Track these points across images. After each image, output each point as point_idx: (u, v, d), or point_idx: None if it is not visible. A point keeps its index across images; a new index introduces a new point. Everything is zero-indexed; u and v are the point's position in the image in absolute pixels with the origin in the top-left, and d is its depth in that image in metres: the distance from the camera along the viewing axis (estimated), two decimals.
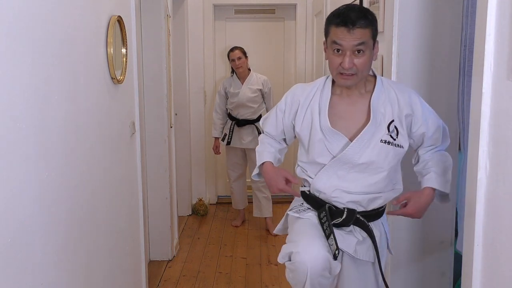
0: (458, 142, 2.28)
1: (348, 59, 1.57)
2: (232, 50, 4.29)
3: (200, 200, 4.89)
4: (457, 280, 2.38)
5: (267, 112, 4.39)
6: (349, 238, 1.73)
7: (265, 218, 4.38)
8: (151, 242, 3.63)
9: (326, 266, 1.62)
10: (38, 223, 1.36)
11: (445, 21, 2.17)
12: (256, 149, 1.98)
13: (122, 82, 2.17)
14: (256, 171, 1.94)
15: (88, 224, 1.78)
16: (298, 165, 1.87)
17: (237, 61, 4.24)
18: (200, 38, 4.85)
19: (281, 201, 5.22)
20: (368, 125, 1.66)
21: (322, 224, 1.72)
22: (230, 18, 5.19)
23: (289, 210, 1.90)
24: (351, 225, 1.73)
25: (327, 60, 1.68)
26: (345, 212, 1.71)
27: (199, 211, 4.81)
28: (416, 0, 2.15)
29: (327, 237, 1.67)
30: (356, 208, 1.73)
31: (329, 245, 1.66)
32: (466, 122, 1.94)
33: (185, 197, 4.74)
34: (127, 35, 2.25)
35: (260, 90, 4.30)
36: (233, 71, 4.37)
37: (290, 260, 1.67)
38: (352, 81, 1.64)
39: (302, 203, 1.87)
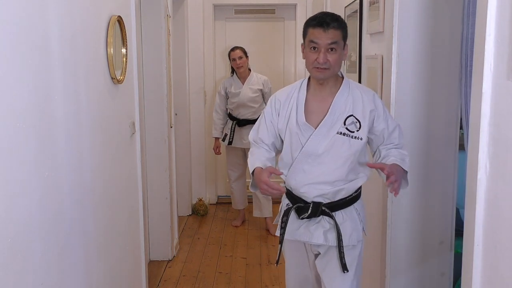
0: (458, 142, 2.28)
1: (323, 55, 1.82)
2: (233, 49, 4.29)
3: (200, 200, 4.89)
4: (457, 280, 2.38)
5: None
6: (317, 230, 1.93)
7: (265, 218, 4.38)
8: (151, 242, 3.63)
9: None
10: (38, 223, 1.36)
11: (445, 21, 2.16)
12: (248, 162, 2.06)
13: (122, 82, 2.17)
14: (251, 182, 2.03)
15: (88, 224, 1.78)
16: (279, 161, 2.04)
17: (238, 61, 4.24)
18: (200, 38, 4.85)
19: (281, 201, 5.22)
20: (325, 118, 1.88)
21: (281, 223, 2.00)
22: (230, 18, 5.19)
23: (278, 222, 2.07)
24: (320, 216, 1.93)
25: (304, 59, 1.93)
26: (310, 207, 1.90)
27: (199, 211, 4.81)
28: (416, 0, 2.15)
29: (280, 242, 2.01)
30: (322, 201, 1.91)
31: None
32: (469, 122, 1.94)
33: (185, 197, 4.74)
34: (127, 35, 2.25)
35: (261, 90, 4.31)
36: (233, 71, 4.37)
37: None
38: (326, 74, 1.86)
39: (287, 204, 2.04)
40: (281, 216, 2.04)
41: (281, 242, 2.02)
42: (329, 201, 1.91)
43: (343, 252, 1.90)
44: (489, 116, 1.21)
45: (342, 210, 1.93)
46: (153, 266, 3.54)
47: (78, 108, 1.68)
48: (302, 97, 1.95)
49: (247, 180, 4.53)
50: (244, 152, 4.41)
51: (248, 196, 4.64)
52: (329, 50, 1.82)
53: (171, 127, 3.78)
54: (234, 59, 4.26)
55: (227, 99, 4.36)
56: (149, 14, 3.45)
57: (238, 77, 4.33)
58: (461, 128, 2.34)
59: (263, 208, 4.36)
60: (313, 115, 1.92)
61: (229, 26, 5.20)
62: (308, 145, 1.88)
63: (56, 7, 1.50)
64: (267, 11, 5.18)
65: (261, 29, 5.20)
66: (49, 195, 1.43)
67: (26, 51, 1.30)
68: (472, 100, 1.28)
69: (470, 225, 1.28)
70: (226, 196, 5.21)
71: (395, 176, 1.75)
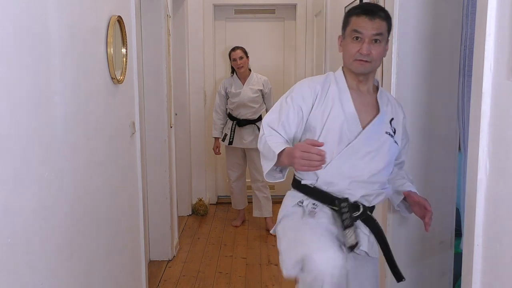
0: (458, 142, 2.28)
1: (366, 46, 1.68)
2: (233, 49, 4.29)
3: (200, 200, 4.89)
4: (457, 280, 2.38)
5: (267, 111, 4.42)
6: (361, 236, 1.73)
7: (265, 218, 4.38)
8: (151, 242, 3.63)
9: (343, 273, 1.57)
10: (38, 223, 1.36)
11: (445, 21, 2.17)
12: (261, 147, 1.79)
13: (122, 82, 2.17)
14: (268, 166, 1.75)
15: (88, 224, 1.78)
16: None
17: (239, 61, 4.24)
18: (200, 38, 4.85)
19: (281, 201, 5.22)
20: (378, 116, 1.77)
21: (341, 214, 1.69)
22: (230, 18, 5.19)
23: (289, 212, 1.81)
24: (358, 221, 1.75)
25: (343, 51, 1.78)
26: (361, 207, 1.74)
27: (199, 211, 4.81)
28: (416, 0, 2.15)
29: (346, 227, 1.66)
30: (366, 203, 1.76)
31: (346, 237, 1.65)
32: (466, 122, 1.94)
33: (185, 197, 4.74)
34: (127, 35, 2.25)
35: (261, 90, 4.31)
36: (233, 71, 4.37)
37: (302, 270, 1.56)
38: (367, 67, 1.72)
39: (302, 201, 1.79)
40: (308, 208, 1.75)
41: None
42: (368, 205, 1.77)
43: (394, 259, 1.79)
44: (489, 116, 1.21)
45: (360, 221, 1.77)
46: (153, 266, 3.54)
47: (78, 108, 1.68)
48: (344, 89, 1.77)
49: (247, 180, 4.54)
50: (244, 152, 4.41)
51: (248, 196, 4.64)
52: (373, 41, 1.68)
53: (171, 127, 3.78)
54: (234, 59, 4.26)
55: (227, 99, 4.36)
56: (149, 14, 3.45)
57: (238, 77, 4.33)
58: None
59: (263, 208, 4.36)
60: (358, 109, 1.76)
61: (229, 26, 5.20)
62: (359, 141, 1.71)
63: (56, 7, 1.50)
64: (267, 11, 5.18)
65: (261, 29, 5.20)
66: (49, 195, 1.43)
67: (26, 51, 1.30)
68: (472, 100, 1.28)
69: (470, 225, 1.28)
70: (226, 196, 5.21)
71: (430, 213, 1.76)
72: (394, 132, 1.79)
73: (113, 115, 2.12)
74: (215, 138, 4.46)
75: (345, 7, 3.20)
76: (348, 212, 1.68)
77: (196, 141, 4.92)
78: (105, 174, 1.99)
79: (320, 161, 1.52)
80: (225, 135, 4.36)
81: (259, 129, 4.29)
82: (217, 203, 5.26)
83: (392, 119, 1.81)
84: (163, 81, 3.50)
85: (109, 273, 2.04)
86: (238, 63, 4.25)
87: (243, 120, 4.29)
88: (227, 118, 4.40)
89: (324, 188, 1.75)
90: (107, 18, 2.01)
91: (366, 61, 1.70)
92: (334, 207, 1.73)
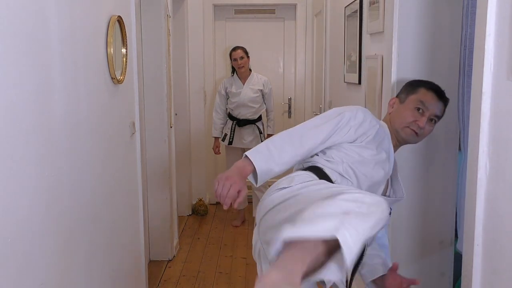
0: (458, 142, 2.28)
1: (425, 120, 1.72)
2: (234, 49, 4.29)
3: (200, 200, 4.89)
4: (457, 280, 2.38)
5: (267, 112, 4.42)
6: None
7: None
8: (151, 242, 3.63)
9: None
10: (38, 223, 1.36)
11: (445, 21, 2.16)
12: (269, 142, 1.63)
13: (122, 82, 2.17)
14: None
15: (88, 224, 1.77)
16: (344, 162, 1.62)
17: (239, 61, 4.24)
18: (200, 38, 4.85)
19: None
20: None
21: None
22: (230, 18, 5.19)
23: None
24: None
25: (395, 114, 1.78)
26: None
27: (199, 211, 4.81)
28: (416, 0, 2.15)
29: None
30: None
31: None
32: (466, 122, 1.94)
33: (185, 197, 4.74)
34: (127, 35, 2.24)
35: (261, 90, 4.31)
36: (233, 71, 4.37)
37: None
38: (416, 139, 1.77)
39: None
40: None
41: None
42: None
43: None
44: (489, 116, 1.21)
45: None
46: (153, 266, 3.54)
47: (78, 108, 1.68)
48: (392, 148, 1.76)
49: (247, 180, 4.53)
50: (244, 152, 4.40)
51: (248, 196, 4.63)
52: (430, 120, 1.74)
53: (171, 127, 3.78)
54: (235, 59, 4.26)
55: (227, 99, 4.36)
56: (149, 14, 3.44)
57: (239, 77, 4.33)
58: None
59: None
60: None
61: (229, 26, 5.20)
62: (388, 203, 1.52)
63: (56, 7, 1.50)
64: (267, 11, 5.18)
65: (261, 29, 5.20)
66: (49, 195, 1.43)
67: (26, 51, 1.30)
68: (472, 100, 1.28)
69: (470, 225, 1.28)
70: None
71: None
72: None
73: (113, 115, 2.12)
74: (215, 137, 4.45)
75: (345, 7, 3.20)
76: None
77: (196, 141, 4.92)
78: (105, 174, 1.98)
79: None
80: (225, 135, 4.36)
81: (259, 129, 4.29)
82: (217, 203, 5.25)
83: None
84: (163, 81, 3.50)
85: (109, 273, 2.04)
86: (238, 63, 4.25)
87: (243, 120, 4.28)
88: (227, 118, 4.40)
89: None
90: (107, 18, 2.01)
91: (417, 133, 1.74)
92: None
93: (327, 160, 1.63)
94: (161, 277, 3.41)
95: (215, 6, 5.03)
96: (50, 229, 1.44)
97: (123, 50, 2.22)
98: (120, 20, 2.13)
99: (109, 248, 2.04)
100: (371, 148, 1.65)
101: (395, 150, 1.79)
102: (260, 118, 4.37)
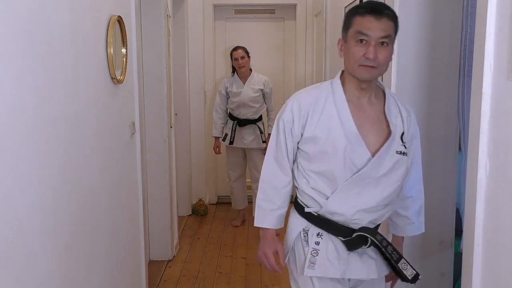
0: (458, 142, 2.28)
1: (373, 49, 1.48)
2: (235, 49, 4.30)
3: (200, 200, 4.89)
4: (457, 280, 2.38)
5: (268, 112, 4.42)
6: (369, 263, 1.63)
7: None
8: (151, 242, 3.63)
9: None
10: (38, 223, 1.36)
11: (445, 21, 2.17)
12: (258, 199, 1.78)
13: (122, 82, 2.17)
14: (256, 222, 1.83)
15: (88, 224, 1.77)
16: (305, 177, 1.65)
17: (240, 60, 4.24)
18: (200, 38, 4.85)
19: None
20: (389, 139, 1.58)
21: (384, 249, 1.60)
22: (230, 18, 5.19)
23: (294, 248, 1.72)
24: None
25: (344, 56, 1.59)
26: (370, 238, 1.60)
27: (199, 211, 4.81)
28: (416, 0, 2.15)
29: (397, 261, 1.61)
30: (372, 226, 1.63)
31: (402, 270, 1.62)
32: (466, 122, 1.94)
33: (185, 197, 4.74)
34: (127, 35, 2.25)
35: (262, 90, 4.31)
36: (234, 71, 4.37)
37: None
38: (373, 74, 1.53)
39: (307, 231, 1.67)
40: (310, 251, 1.62)
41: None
42: (373, 225, 1.63)
43: (404, 262, 1.64)
44: (489, 116, 1.21)
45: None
46: (153, 266, 3.54)
47: (78, 108, 1.68)
48: (343, 103, 1.58)
49: (247, 180, 4.54)
50: (244, 152, 4.41)
51: (248, 196, 4.64)
52: (380, 44, 1.48)
53: (171, 127, 3.78)
54: (236, 59, 4.26)
55: (228, 98, 4.36)
56: (149, 14, 3.45)
57: (239, 77, 4.33)
58: None
59: None
60: (360, 128, 1.57)
61: (229, 26, 5.20)
62: (368, 169, 1.54)
63: (56, 7, 1.50)
64: (267, 11, 5.18)
65: (261, 29, 5.20)
66: (49, 195, 1.43)
67: (26, 51, 1.30)
68: (472, 100, 1.28)
69: (470, 225, 1.28)
70: (226, 196, 5.21)
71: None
72: (405, 147, 1.60)
73: (113, 115, 2.12)
74: (215, 137, 4.45)
75: (345, 7, 3.20)
76: (388, 246, 1.61)
77: (196, 141, 4.92)
78: (105, 174, 1.99)
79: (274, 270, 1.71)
80: (226, 135, 4.36)
81: (259, 129, 4.29)
82: (217, 203, 5.26)
83: (403, 133, 1.61)
84: (163, 81, 3.50)
85: (109, 273, 2.04)
86: (239, 63, 4.25)
87: (243, 120, 4.29)
88: (228, 117, 4.40)
89: (329, 217, 1.61)
90: (107, 18, 2.01)
91: (372, 66, 1.50)
92: (340, 237, 1.62)
93: (296, 186, 1.74)
94: (161, 277, 3.41)
95: (215, 6, 5.03)
96: (50, 229, 1.44)
97: (123, 50, 2.22)
98: (120, 20, 2.13)
99: (109, 248, 2.04)
100: (312, 139, 1.60)
101: (362, 97, 1.60)
102: (260, 118, 4.37)
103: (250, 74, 4.33)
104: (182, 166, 4.56)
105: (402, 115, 1.63)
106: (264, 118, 4.44)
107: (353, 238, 1.59)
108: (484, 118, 1.22)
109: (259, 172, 4.75)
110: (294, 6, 5.11)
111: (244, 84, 4.30)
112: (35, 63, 1.34)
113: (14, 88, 1.23)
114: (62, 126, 1.53)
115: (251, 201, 4.56)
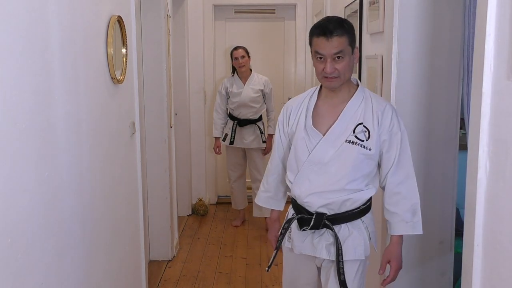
0: (458, 142, 2.28)
1: (330, 65, 1.74)
2: (235, 48, 4.29)
3: (200, 200, 4.89)
4: (457, 280, 2.38)
5: (268, 112, 4.42)
6: (320, 243, 1.85)
7: (265, 218, 4.38)
8: (151, 242, 3.63)
9: None
10: (38, 223, 1.36)
11: (445, 21, 2.17)
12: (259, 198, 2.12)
13: (122, 82, 2.17)
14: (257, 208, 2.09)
15: (88, 224, 1.78)
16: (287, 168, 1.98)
17: (241, 60, 4.23)
18: (200, 38, 4.85)
19: None
20: (334, 125, 1.80)
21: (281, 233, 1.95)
22: (230, 18, 5.19)
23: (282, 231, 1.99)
24: (323, 228, 1.85)
25: (314, 67, 1.84)
26: (313, 219, 1.82)
27: (199, 211, 4.81)
28: (416, 0, 2.15)
29: (337, 257, 1.82)
30: (326, 212, 1.82)
31: (339, 268, 1.82)
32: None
33: (185, 197, 4.74)
34: (127, 35, 2.24)
35: (262, 90, 4.31)
36: (234, 71, 4.36)
37: None
38: (336, 82, 1.78)
39: (289, 213, 1.99)
40: (283, 225, 1.96)
41: (277, 248, 1.99)
42: (333, 212, 1.82)
43: (342, 268, 1.80)
44: (489, 116, 1.21)
45: (348, 223, 1.83)
46: (153, 266, 3.54)
47: (78, 108, 1.68)
48: (312, 102, 1.89)
49: (247, 180, 4.53)
50: (244, 152, 4.41)
51: (248, 196, 4.63)
52: (336, 58, 1.74)
53: (171, 127, 3.78)
54: (236, 58, 4.25)
55: (228, 98, 4.36)
56: (149, 14, 3.45)
57: (239, 77, 4.33)
58: (461, 128, 2.34)
59: (263, 208, 4.35)
60: (323, 121, 1.84)
61: (229, 26, 5.20)
62: (315, 153, 1.81)
63: (56, 7, 1.50)
64: (267, 11, 5.18)
65: (261, 29, 5.20)
66: (49, 195, 1.43)
67: (26, 51, 1.30)
68: (472, 100, 1.28)
69: (470, 225, 1.28)
70: (226, 196, 5.21)
71: (392, 275, 1.83)
72: (368, 137, 1.77)
73: (113, 115, 2.12)
74: (215, 138, 4.45)
75: (345, 7, 3.20)
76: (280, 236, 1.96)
77: (196, 141, 4.92)
78: (105, 174, 1.99)
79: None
80: (226, 135, 4.36)
81: (260, 129, 4.29)
82: (217, 203, 5.26)
83: (360, 124, 1.79)
84: (163, 81, 3.50)
85: (109, 273, 2.04)
86: (239, 62, 4.24)
87: (243, 120, 4.28)
88: (228, 118, 4.39)
89: (297, 200, 1.91)
90: (107, 18, 2.01)
91: (334, 77, 1.76)
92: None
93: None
94: (161, 277, 3.41)
95: (215, 6, 5.03)
96: (50, 229, 1.44)
97: (123, 50, 2.22)
98: (120, 20, 2.13)
99: (109, 248, 2.04)
100: (291, 134, 1.94)
101: (334, 97, 1.84)
102: (260, 118, 4.37)
103: (250, 74, 4.33)
104: (182, 166, 4.56)
105: (373, 110, 1.81)
106: (264, 118, 4.44)
107: (301, 217, 1.86)
108: (484, 118, 1.22)
109: (259, 172, 4.72)
110: (294, 6, 5.11)
111: (244, 85, 4.30)
112: (34, 63, 1.34)
113: (14, 88, 1.23)
114: (62, 126, 1.53)
115: (251, 201, 4.56)
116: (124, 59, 2.22)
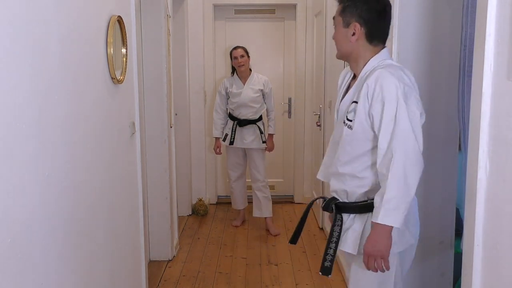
0: (459, 142, 2.28)
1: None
2: (235, 48, 4.29)
3: (200, 200, 4.89)
4: (457, 280, 2.38)
5: (268, 112, 4.42)
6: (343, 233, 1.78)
7: (265, 218, 4.38)
8: (151, 242, 3.63)
9: None
10: (38, 223, 1.36)
11: (445, 21, 2.17)
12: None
13: (122, 82, 2.17)
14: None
15: (88, 224, 1.78)
16: None
17: (240, 59, 4.23)
18: (200, 38, 4.85)
19: (281, 201, 5.22)
20: (340, 104, 1.79)
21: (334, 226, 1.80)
22: (230, 18, 5.19)
23: None
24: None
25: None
26: (325, 201, 1.83)
27: (199, 211, 4.81)
28: (416, 0, 2.15)
29: (328, 243, 1.76)
30: (338, 198, 1.80)
31: (325, 254, 1.76)
32: (466, 122, 1.94)
33: (185, 197, 4.74)
34: (127, 35, 2.25)
35: (262, 90, 4.30)
36: (233, 71, 4.37)
37: None
38: (336, 54, 1.81)
39: None
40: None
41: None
42: (343, 200, 1.77)
43: (329, 254, 1.72)
44: (489, 116, 1.21)
45: (358, 215, 1.73)
46: (153, 266, 3.54)
47: (78, 108, 1.68)
48: (347, 80, 1.86)
49: (247, 180, 4.53)
50: (245, 152, 4.41)
51: (248, 196, 4.63)
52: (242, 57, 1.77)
53: (171, 127, 3.78)
54: (235, 57, 4.25)
55: (228, 99, 4.36)
56: (149, 14, 3.45)
57: (239, 77, 4.33)
58: None
59: (263, 208, 4.36)
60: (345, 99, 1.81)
61: (229, 26, 5.20)
62: (334, 132, 1.85)
63: (56, 7, 1.50)
64: (267, 11, 5.18)
65: (261, 29, 5.20)
66: (49, 195, 1.43)
67: (26, 50, 1.30)
68: (472, 100, 1.28)
69: (470, 225, 1.28)
70: (226, 196, 5.21)
71: (370, 252, 1.62)
72: (354, 116, 1.66)
73: (113, 115, 2.12)
74: (216, 138, 4.45)
75: None
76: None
77: (196, 141, 4.92)
78: (105, 174, 1.99)
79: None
80: (226, 135, 4.36)
81: (259, 129, 4.29)
82: (217, 203, 5.26)
83: (354, 101, 1.68)
84: (163, 81, 3.50)
85: (109, 273, 2.04)
86: (239, 61, 4.23)
87: (243, 120, 4.29)
88: (228, 118, 4.40)
89: None
90: (107, 18, 2.01)
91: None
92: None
93: None
94: (161, 277, 3.41)
95: (215, 6, 5.03)
96: (50, 229, 1.44)
97: (123, 50, 2.22)
98: (120, 20, 2.13)
99: (109, 248, 2.04)
100: None
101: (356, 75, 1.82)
102: (260, 118, 4.37)
103: (250, 74, 4.32)
104: (182, 166, 4.56)
105: (368, 83, 1.64)
106: (264, 118, 4.44)
107: (325, 200, 1.84)
108: (484, 118, 1.22)
109: (259, 172, 4.71)
110: (294, 6, 5.11)
111: (244, 85, 4.30)
112: (34, 63, 1.34)
113: (14, 88, 1.23)
114: (62, 126, 1.53)
115: (251, 201, 4.55)
116: (124, 59, 2.22)
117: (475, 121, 1.25)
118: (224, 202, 5.20)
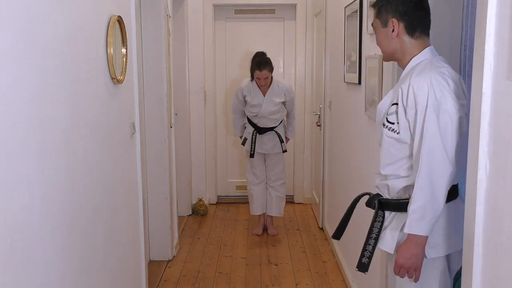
0: None
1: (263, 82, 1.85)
2: (259, 67, 3.94)
3: (200, 200, 4.89)
4: (457, 280, 2.38)
5: (289, 117, 4.23)
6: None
7: (268, 216, 4.33)
8: (151, 242, 3.63)
9: None
10: (38, 223, 1.36)
11: (445, 21, 2.16)
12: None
13: (122, 82, 2.17)
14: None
15: (88, 224, 1.78)
16: None
17: (263, 81, 3.99)
18: (200, 38, 4.85)
19: (289, 201, 5.23)
20: (380, 102, 1.78)
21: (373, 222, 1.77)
22: (230, 18, 5.19)
23: None
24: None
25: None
26: (369, 196, 1.80)
27: (199, 211, 4.81)
28: None
29: (366, 241, 1.74)
30: (382, 194, 1.76)
31: (364, 250, 1.74)
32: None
33: (185, 197, 4.74)
34: (127, 35, 2.25)
35: (283, 102, 4.12)
36: (253, 77, 4.08)
37: None
38: (383, 56, 1.82)
39: None
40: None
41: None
42: (384, 197, 1.75)
43: (368, 250, 1.71)
44: (489, 116, 1.21)
45: (399, 213, 1.70)
46: (153, 266, 3.54)
47: (78, 108, 1.68)
48: None
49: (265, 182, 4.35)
50: (264, 157, 4.32)
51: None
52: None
53: (171, 127, 3.78)
54: (259, 78, 3.99)
55: (245, 102, 4.17)
56: (149, 14, 3.45)
57: (258, 85, 4.08)
58: None
59: (274, 207, 4.26)
60: None
61: (229, 26, 5.20)
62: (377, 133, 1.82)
63: (56, 7, 1.50)
64: (267, 11, 5.18)
65: (261, 29, 5.20)
66: (49, 195, 1.43)
67: (26, 50, 1.30)
68: (472, 100, 1.28)
69: (470, 225, 1.28)
70: (226, 196, 5.22)
71: (400, 269, 1.65)
72: (397, 120, 1.64)
73: (113, 115, 2.12)
74: (239, 137, 4.35)
75: (345, 7, 3.20)
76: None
77: (196, 141, 4.92)
78: (105, 174, 1.99)
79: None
80: (245, 139, 4.22)
81: (278, 135, 4.15)
82: (217, 203, 5.26)
83: (395, 103, 1.65)
84: (163, 81, 3.51)
85: (109, 273, 2.04)
86: (262, 82, 4.01)
87: (263, 128, 4.16)
88: (246, 120, 4.24)
89: None
90: (107, 18, 2.01)
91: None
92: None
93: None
94: (161, 277, 3.41)
95: (215, 6, 5.03)
96: (50, 229, 1.44)
97: (123, 50, 2.22)
98: (120, 20, 2.13)
99: (109, 248, 2.04)
100: None
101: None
102: (281, 123, 4.22)
103: (271, 83, 4.08)
104: (182, 166, 4.56)
105: (403, 94, 1.63)
106: (284, 121, 4.30)
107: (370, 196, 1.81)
108: (484, 118, 1.21)
109: (279, 170, 4.51)
110: (294, 6, 5.11)
111: (264, 96, 4.07)
112: (34, 63, 1.34)
113: (14, 88, 1.23)
114: (62, 126, 1.53)
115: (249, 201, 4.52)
116: (124, 59, 2.22)
117: (475, 121, 1.25)
118: (224, 202, 5.20)
